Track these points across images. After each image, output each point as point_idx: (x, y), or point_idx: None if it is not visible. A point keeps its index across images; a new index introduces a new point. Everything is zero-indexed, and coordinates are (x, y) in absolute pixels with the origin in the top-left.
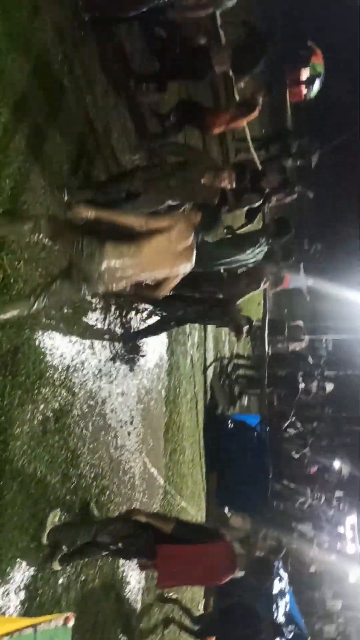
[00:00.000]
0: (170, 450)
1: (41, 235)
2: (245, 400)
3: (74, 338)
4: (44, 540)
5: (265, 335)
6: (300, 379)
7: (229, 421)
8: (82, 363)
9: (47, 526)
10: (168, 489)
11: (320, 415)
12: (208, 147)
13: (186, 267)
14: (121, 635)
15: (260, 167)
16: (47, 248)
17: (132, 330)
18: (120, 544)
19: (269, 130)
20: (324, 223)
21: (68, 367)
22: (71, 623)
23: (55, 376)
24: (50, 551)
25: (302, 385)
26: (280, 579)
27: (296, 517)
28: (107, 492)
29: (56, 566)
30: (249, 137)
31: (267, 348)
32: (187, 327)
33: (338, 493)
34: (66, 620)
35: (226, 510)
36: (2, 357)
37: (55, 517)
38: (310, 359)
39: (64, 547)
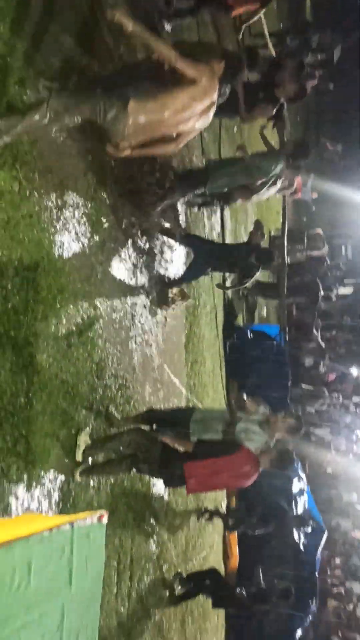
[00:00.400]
0: (191, 361)
1: (54, 115)
2: (264, 311)
3: (93, 251)
4: (79, 457)
5: (284, 243)
6: (319, 288)
7: (248, 332)
8: (103, 277)
9: (79, 445)
10: (190, 397)
11: (339, 323)
12: (223, 44)
13: (205, 123)
14: (150, 531)
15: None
16: (60, 156)
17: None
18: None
19: (288, 24)
20: (345, 122)
21: (89, 280)
22: (105, 520)
23: (77, 290)
24: (78, 463)
25: (321, 294)
26: (300, 479)
27: (314, 422)
28: (132, 402)
29: (77, 477)
30: (266, 32)
31: (286, 257)
32: (206, 236)
33: (355, 399)
34: (100, 517)
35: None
36: (24, 273)
37: (86, 436)
38: (329, 267)
39: (89, 460)
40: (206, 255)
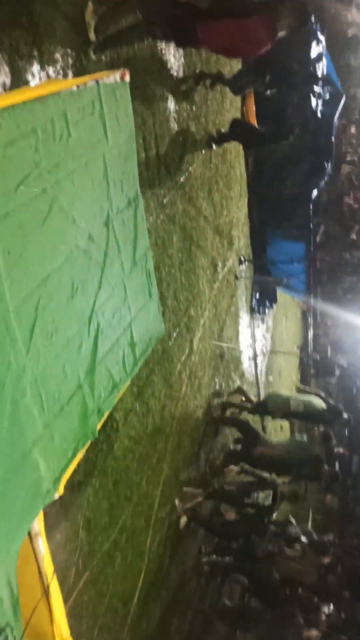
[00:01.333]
0: None
1: None
2: None
3: None
4: (92, 37)
5: None
6: None
7: None
8: None
9: (89, 23)
10: None
11: None
12: None
13: None
14: (169, 112)
15: None
16: None
17: None
18: None
19: None
20: None
21: None
22: (127, 79)
23: None
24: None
25: None
26: (318, 42)
27: None
28: None
29: (92, 55)
30: None
31: None
32: None
33: None
34: (122, 76)
35: None
36: None
37: (92, 13)
38: None
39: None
40: None
